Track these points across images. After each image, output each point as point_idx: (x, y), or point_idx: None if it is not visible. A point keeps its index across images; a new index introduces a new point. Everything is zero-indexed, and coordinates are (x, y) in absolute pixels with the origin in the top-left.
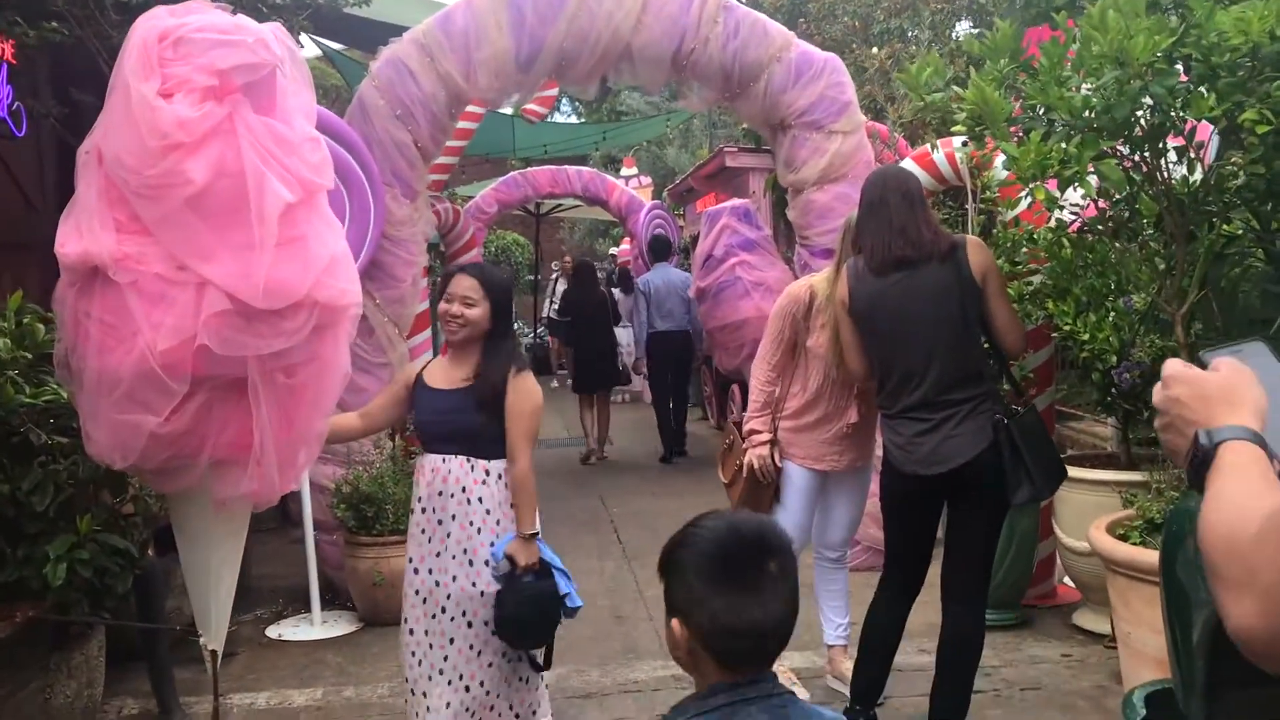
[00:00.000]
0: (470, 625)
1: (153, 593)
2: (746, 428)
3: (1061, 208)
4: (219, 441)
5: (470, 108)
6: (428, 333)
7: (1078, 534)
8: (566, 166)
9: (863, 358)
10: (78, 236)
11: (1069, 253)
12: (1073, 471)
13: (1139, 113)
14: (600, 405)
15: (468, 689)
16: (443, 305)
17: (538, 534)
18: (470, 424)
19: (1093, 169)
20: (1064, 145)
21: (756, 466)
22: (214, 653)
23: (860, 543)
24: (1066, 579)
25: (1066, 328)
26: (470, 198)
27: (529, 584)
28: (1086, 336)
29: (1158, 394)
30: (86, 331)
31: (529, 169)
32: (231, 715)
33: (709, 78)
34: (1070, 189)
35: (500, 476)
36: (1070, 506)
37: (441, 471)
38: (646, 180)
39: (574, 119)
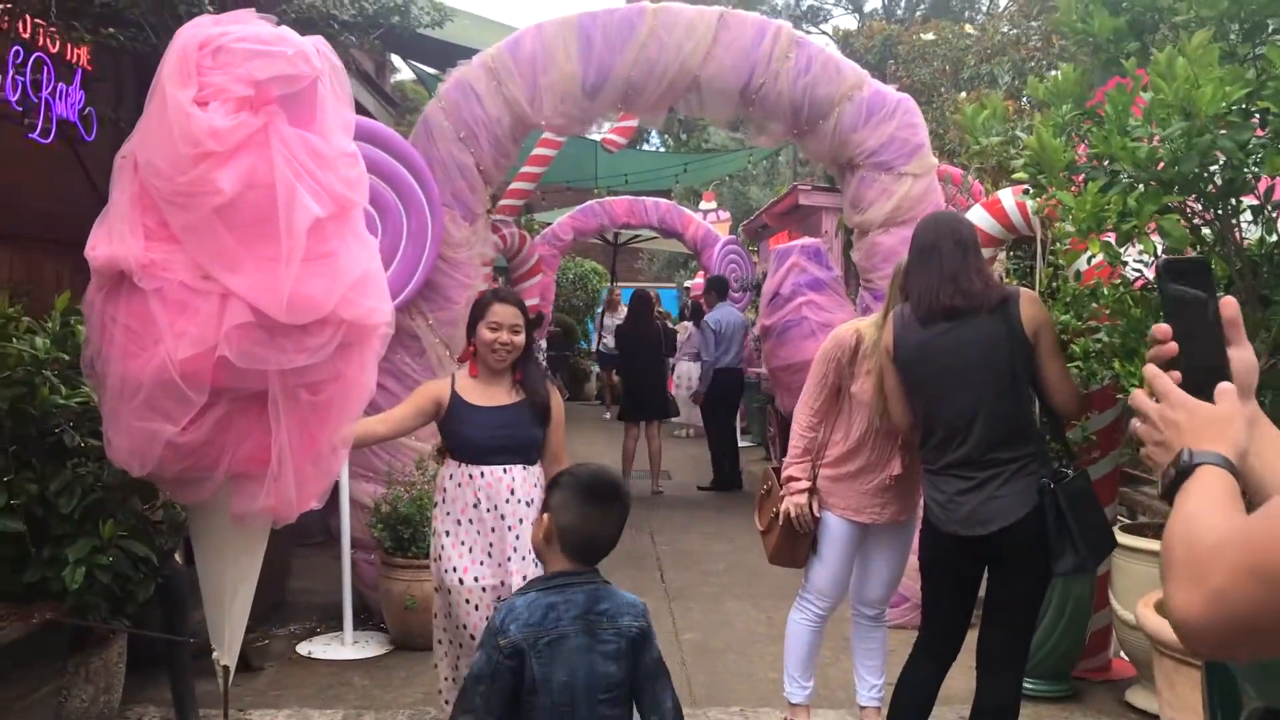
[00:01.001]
0: None
1: (177, 601)
2: (785, 474)
3: (1124, 263)
4: (237, 455)
5: (549, 135)
6: None
7: (1133, 607)
8: (644, 197)
9: (907, 408)
10: (107, 241)
11: (1139, 311)
12: (1132, 540)
13: (1212, 168)
14: (650, 437)
15: None
16: (489, 334)
17: None
18: (530, 436)
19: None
20: (1125, 198)
21: (793, 515)
22: (226, 668)
23: (909, 599)
24: (1123, 653)
25: (1133, 388)
26: (548, 224)
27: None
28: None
29: (1153, 408)
30: (111, 336)
31: (606, 199)
32: None
33: (778, 113)
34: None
35: (540, 479)
36: (1128, 577)
37: (505, 481)
38: (725, 215)
39: (661, 151)
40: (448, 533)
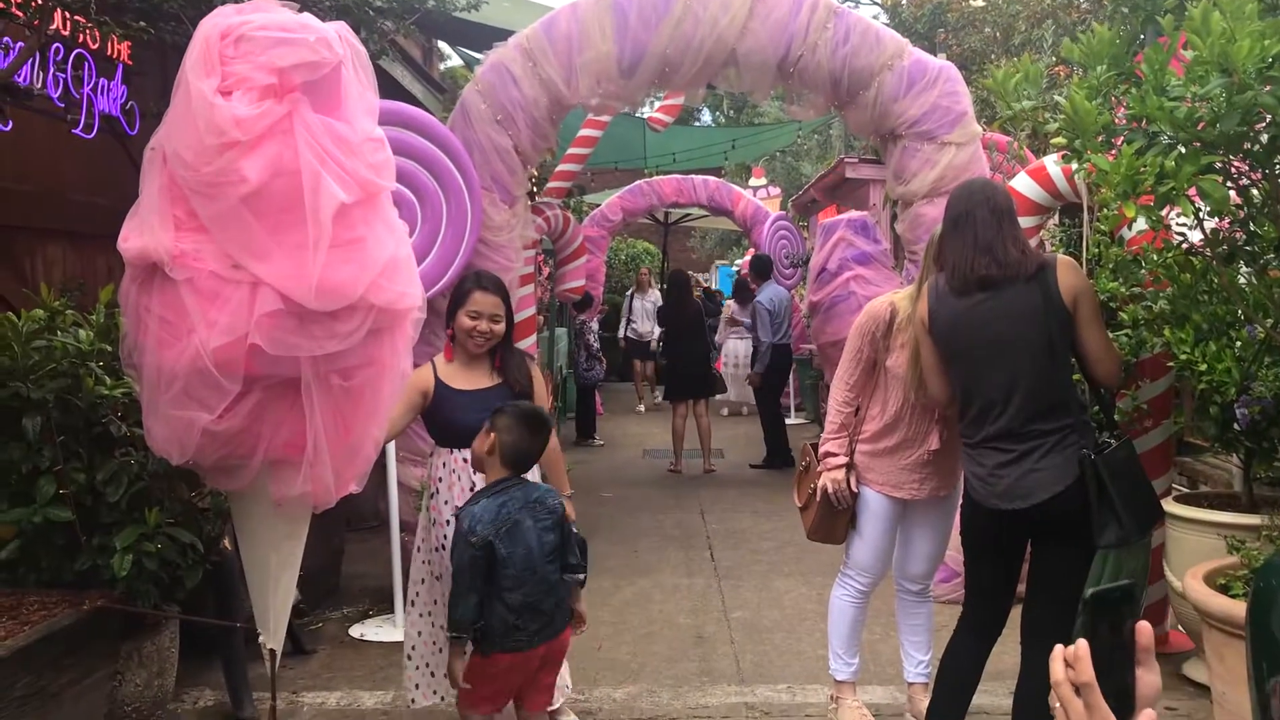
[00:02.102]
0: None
1: (229, 587)
2: (821, 450)
3: (1167, 227)
4: (274, 441)
5: (593, 116)
6: (532, 339)
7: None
8: (693, 175)
9: (944, 382)
10: (139, 233)
11: (1188, 277)
12: (1186, 511)
13: (1259, 126)
14: (699, 415)
15: None
16: (468, 321)
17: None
18: None
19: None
20: (1161, 159)
21: (830, 491)
22: (272, 651)
23: (959, 574)
24: (1180, 625)
25: (1184, 357)
26: (597, 205)
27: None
28: (1204, 367)
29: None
30: (147, 327)
31: (655, 178)
32: (301, 713)
33: (817, 85)
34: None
35: None
36: (1182, 549)
37: None
38: (776, 191)
39: (711, 127)
40: (448, 521)
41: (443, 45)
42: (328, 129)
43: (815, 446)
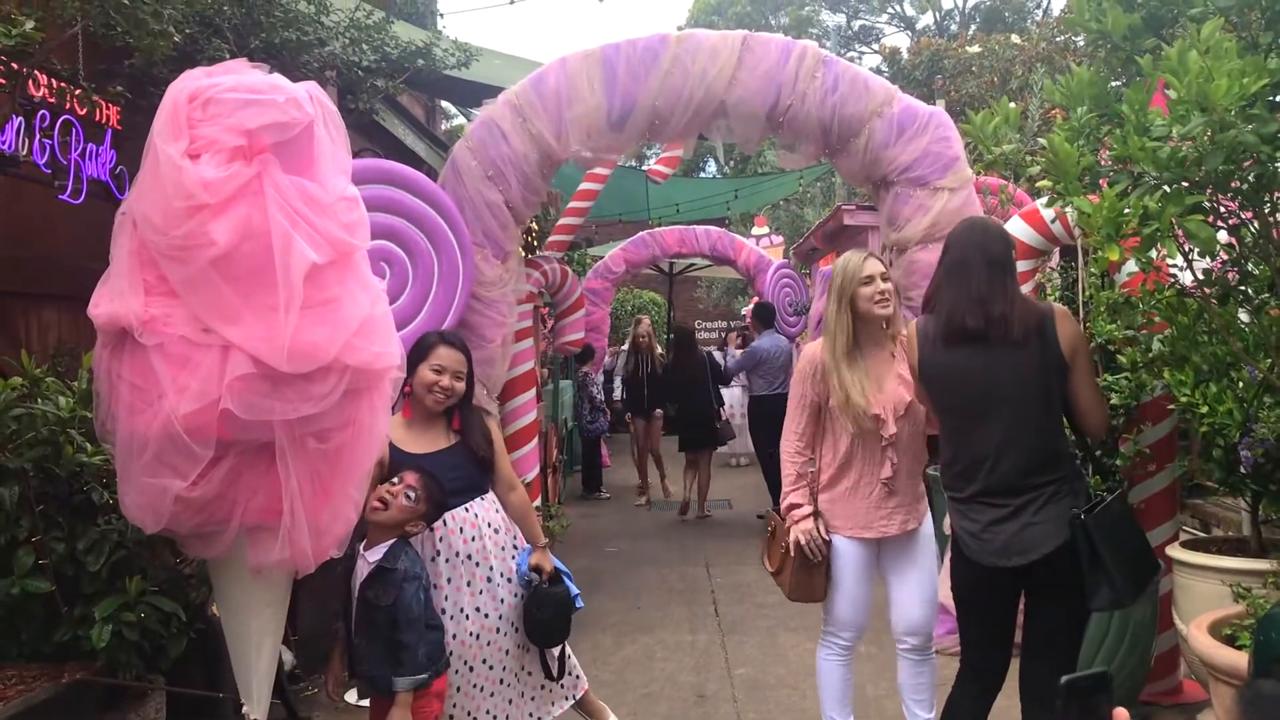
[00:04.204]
0: (518, 630)
1: (217, 654)
2: (784, 504)
3: (1157, 269)
4: (250, 507)
5: (595, 169)
6: (531, 393)
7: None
8: (695, 226)
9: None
10: (109, 298)
11: (1185, 318)
12: (1194, 557)
13: (1247, 164)
14: (700, 467)
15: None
16: (431, 375)
17: (548, 543)
18: (480, 473)
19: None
20: (1145, 201)
21: (804, 543)
22: None
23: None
24: (1194, 674)
25: (1185, 399)
26: (599, 258)
27: (551, 591)
28: (1205, 409)
29: None
30: (119, 393)
31: (657, 229)
32: None
33: (807, 133)
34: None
35: (495, 503)
36: (1191, 596)
37: (469, 519)
38: (778, 239)
39: (716, 178)
40: (437, 586)
41: (446, 105)
42: (299, 189)
43: (777, 512)
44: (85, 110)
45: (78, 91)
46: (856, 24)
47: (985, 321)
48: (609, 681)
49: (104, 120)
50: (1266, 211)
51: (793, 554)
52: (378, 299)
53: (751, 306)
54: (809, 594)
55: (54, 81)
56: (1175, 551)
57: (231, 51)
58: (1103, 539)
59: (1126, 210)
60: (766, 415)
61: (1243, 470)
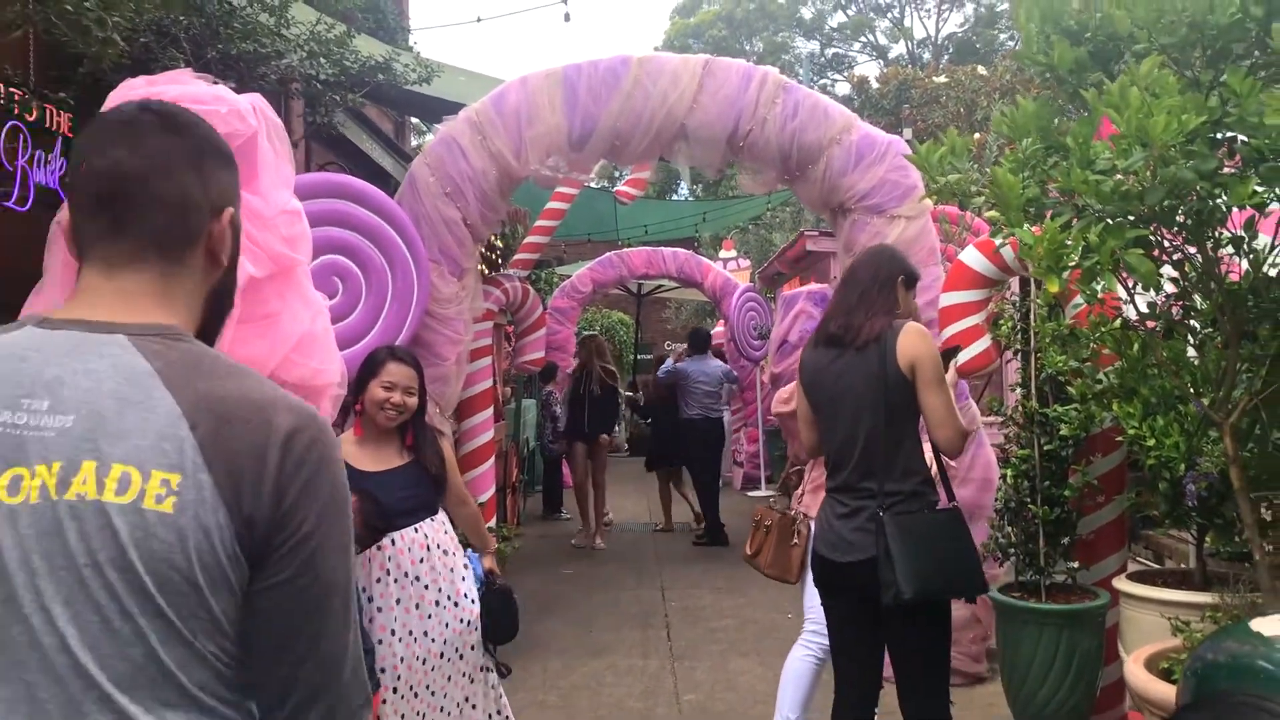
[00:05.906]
0: (463, 657)
1: None
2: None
3: (1102, 303)
4: None
5: (562, 189)
6: (489, 412)
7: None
8: (663, 248)
9: (812, 432)
10: (43, 308)
11: (1135, 350)
12: (1137, 589)
13: (1189, 199)
14: (663, 485)
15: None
16: (381, 393)
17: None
18: (432, 492)
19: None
20: (1085, 233)
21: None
22: None
23: None
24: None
25: (1133, 432)
26: (568, 277)
27: (501, 587)
28: (1152, 442)
29: None
30: None
31: (625, 250)
32: None
33: (767, 159)
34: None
35: (445, 522)
36: (1138, 628)
37: (419, 539)
38: (745, 263)
39: (688, 200)
40: (380, 609)
41: (417, 120)
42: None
43: (771, 508)
44: (34, 116)
45: (21, 96)
46: (830, 51)
47: (844, 329)
48: (556, 706)
49: (54, 127)
50: (1209, 246)
51: (773, 529)
52: (319, 314)
53: (689, 332)
54: (783, 569)
55: (2, 86)
56: (1121, 584)
57: (187, 61)
58: (903, 536)
59: (1069, 243)
60: (698, 437)
61: (1188, 504)
